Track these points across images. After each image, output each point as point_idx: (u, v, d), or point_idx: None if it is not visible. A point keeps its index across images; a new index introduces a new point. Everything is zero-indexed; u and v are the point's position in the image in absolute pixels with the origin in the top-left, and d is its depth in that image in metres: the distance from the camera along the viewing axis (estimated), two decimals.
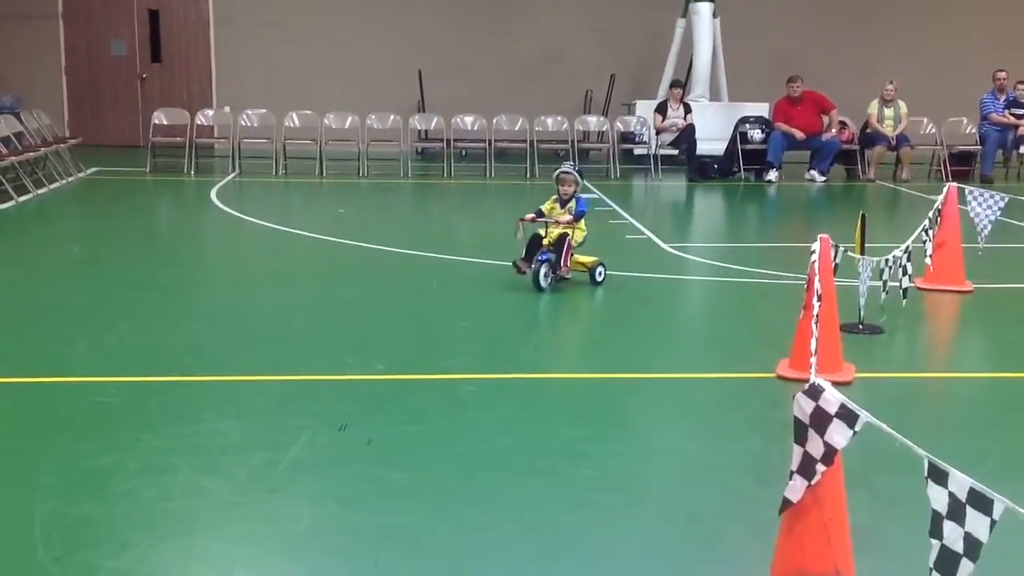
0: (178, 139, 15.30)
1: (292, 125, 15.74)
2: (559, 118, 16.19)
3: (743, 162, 15.77)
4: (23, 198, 12.06)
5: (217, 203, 12.61)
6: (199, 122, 15.71)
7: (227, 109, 16.24)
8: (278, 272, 9.18)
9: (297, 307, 7.69)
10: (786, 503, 3.41)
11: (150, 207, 13.26)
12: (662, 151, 15.81)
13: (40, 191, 12.68)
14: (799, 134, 15.46)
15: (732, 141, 15.87)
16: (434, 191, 14.86)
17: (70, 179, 13.86)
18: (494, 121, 15.95)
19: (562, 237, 7.83)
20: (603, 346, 6.88)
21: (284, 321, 7.25)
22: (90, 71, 18.00)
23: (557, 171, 8.11)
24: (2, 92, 16.42)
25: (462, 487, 4.56)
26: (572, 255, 7.91)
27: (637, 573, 3.81)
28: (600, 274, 8.12)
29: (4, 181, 12.00)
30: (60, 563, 3.77)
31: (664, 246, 10.25)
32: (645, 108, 16.64)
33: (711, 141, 16.02)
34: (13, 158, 12.48)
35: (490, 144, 15.64)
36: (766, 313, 7.75)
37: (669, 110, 15.97)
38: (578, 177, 8.03)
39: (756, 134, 15.92)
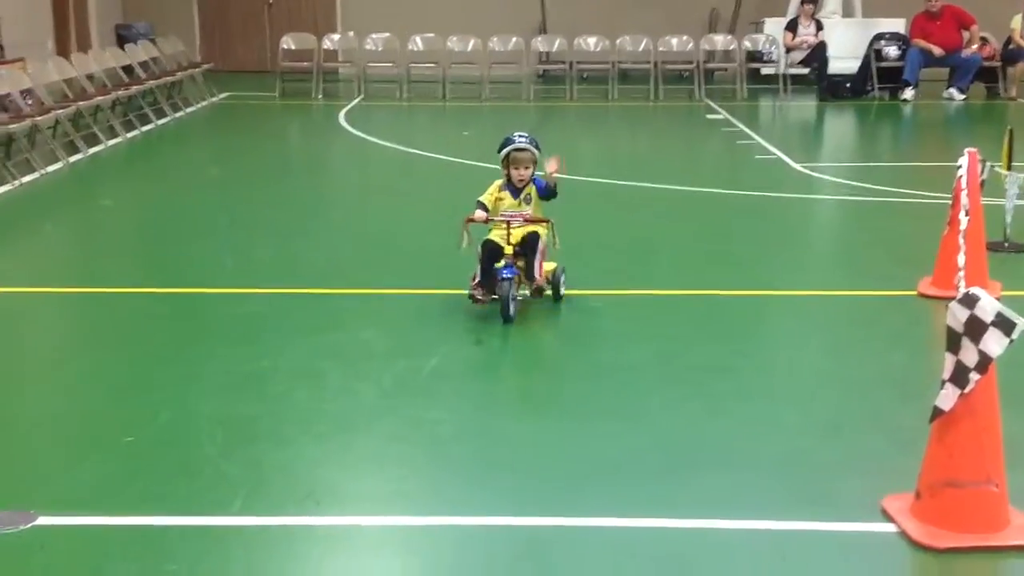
0: (305, 64, 15.56)
1: (415, 49, 15.85)
2: (684, 38, 15.87)
3: (878, 80, 15.27)
4: (162, 121, 12.48)
5: (346, 126, 12.83)
6: (325, 46, 15.93)
7: (351, 34, 16.41)
8: (407, 191, 9.34)
9: (427, 225, 7.83)
10: (937, 412, 3.39)
11: (282, 130, 13.58)
12: (792, 70, 15.40)
13: (177, 115, 13.09)
14: (937, 50, 14.88)
15: (866, 59, 15.37)
16: (556, 113, 14.81)
17: (204, 103, 14.25)
18: (617, 42, 15.75)
19: (531, 238, 5.51)
20: (738, 264, 6.83)
21: (416, 238, 7.40)
22: None
23: (505, 147, 5.59)
24: (136, 19, 16.90)
25: (598, 397, 4.65)
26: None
27: (778, 483, 3.84)
28: (563, 284, 5.75)
29: (144, 105, 12.42)
30: (226, 457, 4.00)
31: (795, 166, 10.06)
32: (774, 26, 16.20)
33: (844, 59, 15.53)
34: (152, 82, 12.90)
35: (613, 66, 15.48)
36: (905, 232, 7.57)
37: (800, 27, 15.53)
38: (537, 152, 5.61)
39: (892, 51, 15.38)
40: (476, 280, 5.45)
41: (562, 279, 5.76)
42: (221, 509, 3.63)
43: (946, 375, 3.36)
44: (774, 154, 10.70)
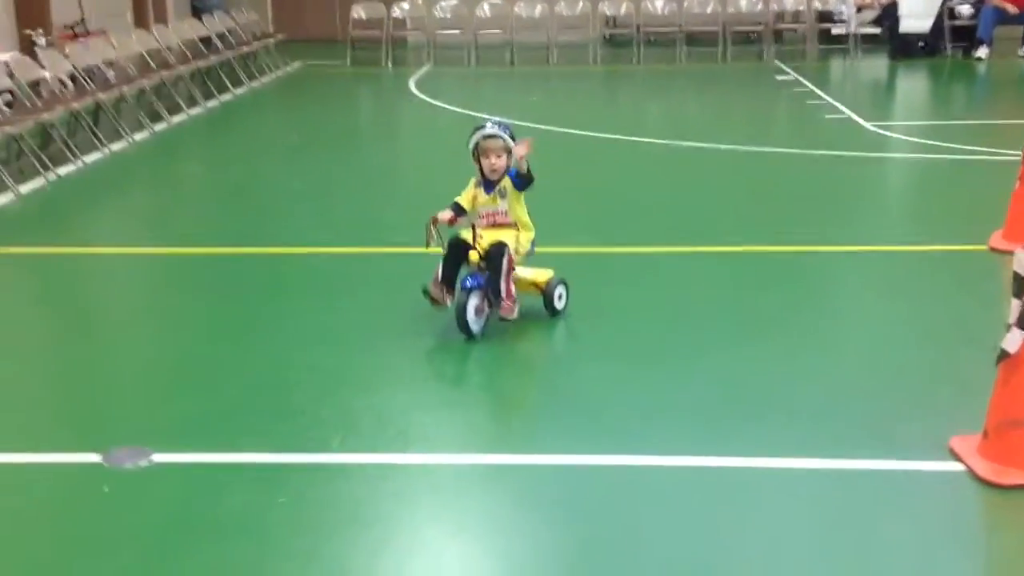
0: (375, 32, 15.80)
1: (483, 16, 16.00)
2: None
3: (951, 39, 15.08)
4: (239, 91, 12.81)
5: (416, 92, 13.06)
6: (394, 15, 16.16)
7: (420, 1, 16.60)
8: None
9: None
10: (1003, 354, 3.52)
11: (355, 97, 13.87)
12: (863, 29, 15.28)
13: (253, 84, 13.42)
14: (1012, 8, 14.65)
15: (939, 17, 15.18)
16: (623, 77, 14.89)
17: (278, 73, 14.57)
18: (684, 4, 15.73)
19: (495, 249, 4.79)
20: (809, 221, 6.93)
21: None
22: None
23: (475, 135, 4.95)
24: None
25: (667, 344, 4.84)
26: (515, 275, 4.89)
27: (847, 425, 4.00)
28: (560, 297, 5.09)
29: (222, 75, 12.76)
30: (316, 403, 4.27)
31: (866, 125, 10.06)
32: None
33: (915, 18, 15.34)
34: (228, 53, 13.24)
35: (680, 29, 15.48)
36: (977, 188, 7.60)
37: None
38: (509, 141, 4.90)
39: (965, 9, 15.17)
40: (437, 279, 4.82)
41: (559, 292, 5.05)
42: (321, 447, 3.89)
43: (1012, 319, 3.49)
44: (845, 114, 10.70)
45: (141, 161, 9.37)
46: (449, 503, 3.56)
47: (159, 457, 3.79)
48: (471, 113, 11.49)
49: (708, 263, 6.06)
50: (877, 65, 14.73)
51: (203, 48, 12.98)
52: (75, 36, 11.98)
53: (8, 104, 8.70)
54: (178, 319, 5.42)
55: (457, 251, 4.85)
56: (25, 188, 7.86)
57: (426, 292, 4.78)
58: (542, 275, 5.05)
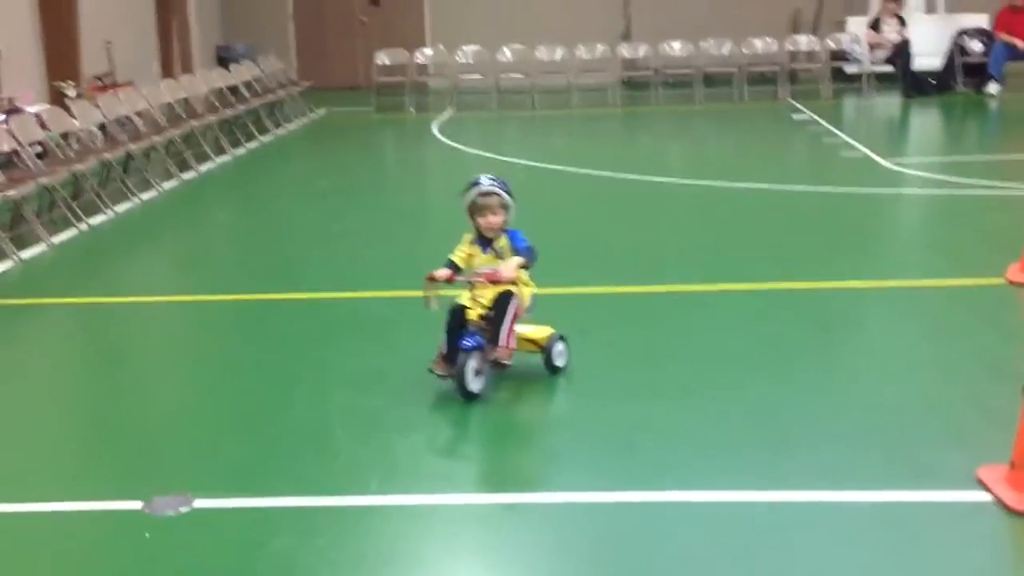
0: (398, 78, 16.06)
1: (505, 60, 16.24)
2: (768, 39, 16.00)
3: (962, 75, 15.20)
4: (265, 138, 13.04)
5: (440, 137, 13.25)
6: (417, 60, 16.42)
7: (441, 47, 16.87)
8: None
9: (529, 228, 8.17)
10: None
11: (381, 143, 14.09)
12: (876, 68, 15.42)
13: (279, 131, 13.66)
14: (1022, 44, 14.79)
15: (950, 54, 15.31)
16: (643, 118, 15.06)
17: (304, 120, 14.81)
18: (700, 46, 15.93)
19: (503, 299, 4.74)
20: (831, 258, 7.02)
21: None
22: (315, 16, 19.02)
23: (470, 192, 4.84)
24: (236, 40, 17.60)
25: (703, 381, 4.93)
26: (516, 331, 4.80)
27: (874, 456, 4.08)
28: (560, 354, 4.98)
29: (249, 123, 13.00)
30: (355, 445, 4.38)
31: (882, 162, 10.16)
32: (857, 24, 16.22)
33: (927, 56, 15.46)
34: (256, 101, 13.49)
35: (697, 70, 15.67)
36: (994, 222, 7.69)
37: (883, 25, 15.53)
38: (506, 197, 4.82)
39: (976, 46, 15.31)
40: (443, 353, 4.73)
41: (558, 348, 4.95)
42: (359, 489, 4.00)
43: None
44: (861, 151, 10.81)
45: (171, 210, 9.55)
46: (485, 543, 3.64)
47: (200, 503, 3.88)
48: (494, 156, 11.67)
49: (732, 300, 6.16)
50: (891, 103, 14.85)
51: (230, 96, 13.24)
52: (104, 87, 12.24)
53: (39, 155, 8.91)
54: (216, 365, 5.55)
55: (458, 322, 4.75)
56: (58, 239, 8.04)
57: (432, 371, 4.71)
58: (541, 332, 4.95)
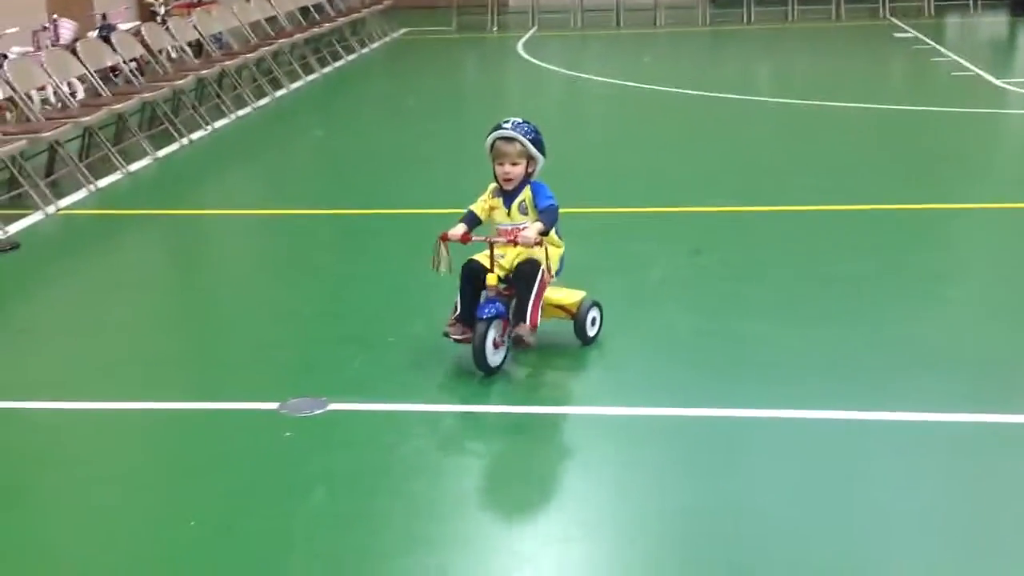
0: None
1: None
2: None
3: None
4: (350, 57, 12.98)
5: (526, 56, 13.08)
6: None
7: None
8: (600, 115, 9.58)
9: (618, 147, 8.06)
10: None
11: (465, 61, 13.96)
12: None
13: (363, 51, 13.59)
14: None
15: None
16: (732, 37, 14.69)
17: (386, 39, 14.71)
18: None
19: (526, 268, 4.09)
20: (941, 179, 6.81)
21: (617, 159, 7.65)
22: None
23: (490, 135, 4.22)
24: None
25: (810, 302, 4.82)
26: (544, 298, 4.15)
27: (992, 382, 3.97)
28: (594, 322, 4.40)
29: (334, 42, 12.94)
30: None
31: (995, 81, 9.80)
32: None
33: None
34: (340, 20, 13.40)
35: None
36: None
37: None
38: (529, 146, 4.12)
39: None
40: (456, 314, 4.15)
41: (591, 317, 4.35)
42: (480, 400, 4.00)
43: None
44: (971, 70, 10.42)
45: (264, 126, 9.57)
46: (608, 453, 3.60)
47: (334, 406, 3.92)
48: (579, 74, 11.50)
49: (844, 219, 6.00)
50: (998, 21, 14.29)
51: (315, 15, 13.16)
52: (189, 5, 12.25)
53: (135, 72, 8.95)
54: (329, 278, 5.56)
55: (473, 278, 4.13)
56: (161, 152, 8.12)
57: (447, 335, 4.13)
58: (572, 296, 4.34)
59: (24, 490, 3.49)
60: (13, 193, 6.80)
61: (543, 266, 4.06)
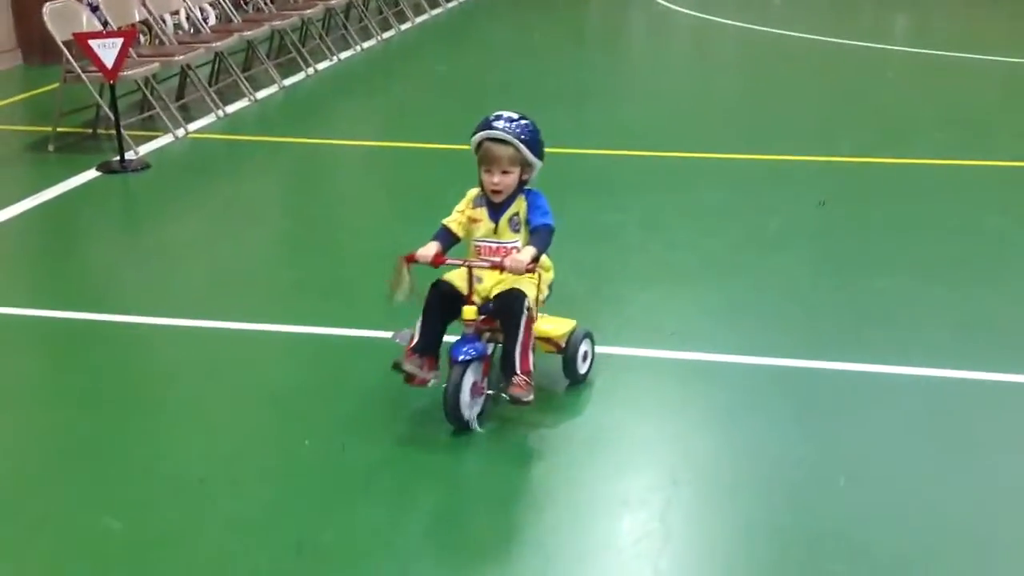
0: None
1: None
2: None
3: None
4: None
5: None
6: None
7: None
8: (730, 60, 9.37)
9: (755, 93, 7.87)
10: None
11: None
12: None
13: None
14: None
15: None
16: None
17: None
18: None
19: (510, 300, 3.27)
20: None
21: (747, 105, 7.48)
22: None
23: (478, 134, 3.38)
24: None
25: (943, 260, 4.67)
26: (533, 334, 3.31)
27: None
28: (586, 357, 3.59)
29: None
30: (593, 294, 4.34)
31: None
32: None
33: None
34: None
35: None
36: None
37: None
38: (524, 151, 3.32)
39: None
40: (412, 343, 3.31)
41: (583, 351, 3.56)
42: (597, 338, 3.94)
43: None
44: None
45: (388, 59, 9.63)
46: (724, 399, 3.54)
47: (449, 338, 3.94)
48: (713, 18, 11.23)
49: (977, 176, 5.78)
50: None
51: None
52: None
53: (266, 0, 9.06)
54: (444, 210, 5.56)
55: (444, 303, 3.31)
56: (288, 81, 8.24)
57: (397, 367, 3.25)
58: (561, 327, 3.52)
59: (153, 402, 3.62)
60: (145, 115, 7.00)
61: (528, 301, 3.23)
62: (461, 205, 3.43)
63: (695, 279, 4.53)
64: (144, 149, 6.45)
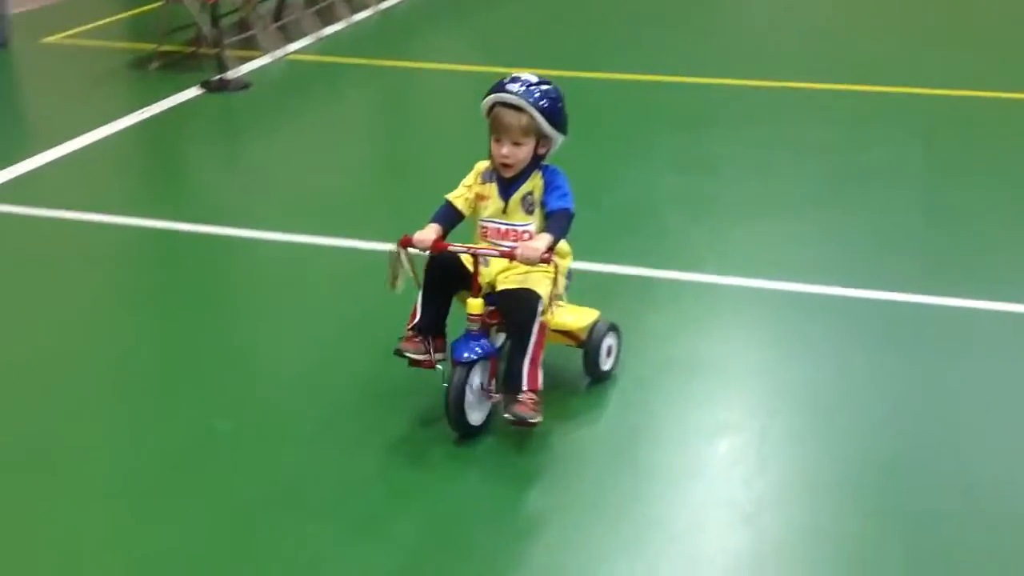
0: None
1: None
2: None
3: None
4: None
5: None
6: None
7: None
8: None
9: (864, 23, 7.65)
10: None
11: None
12: None
13: None
14: None
15: None
16: None
17: None
18: None
19: (521, 301, 2.86)
20: None
21: (858, 35, 7.31)
22: None
23: (489, 96, 2.93)
24: None
25: None
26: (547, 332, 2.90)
27: None
28: (610, 352, 3.19)
29: None
30: (690, 226, 4.32)
31: None
32: None
33: None
34: None
35: None
36: None
37: None
38: (540, 121, 2.87)
39: None
40: (413, 322, 2.93)
41: (607, 346, 3.15)
42: (696, 267, 3.96)
43: None
44: None
45: None
46: (825, 332, 3.52)
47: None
48: None
49: None
50: None
51: None
52: None
53: None
54: None
55: (446, 279, 2.93)
56: (383, 5, 8.24)
57: (399, 353, 2.90)
58: (582, 319, 3.09)
59: (253, 311, 3.72)
60: (244, 35, 7.07)
61: (541, 304, 2.79)
62: (468, 179, 3.00)
63: (794, 211, 4.48)
64: (245, 69, 6.54)
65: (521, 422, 2.77)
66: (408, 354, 2.88)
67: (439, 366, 2.91)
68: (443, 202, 2.97)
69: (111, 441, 2.93)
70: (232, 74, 6.33)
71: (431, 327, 2.91)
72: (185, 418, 3.00)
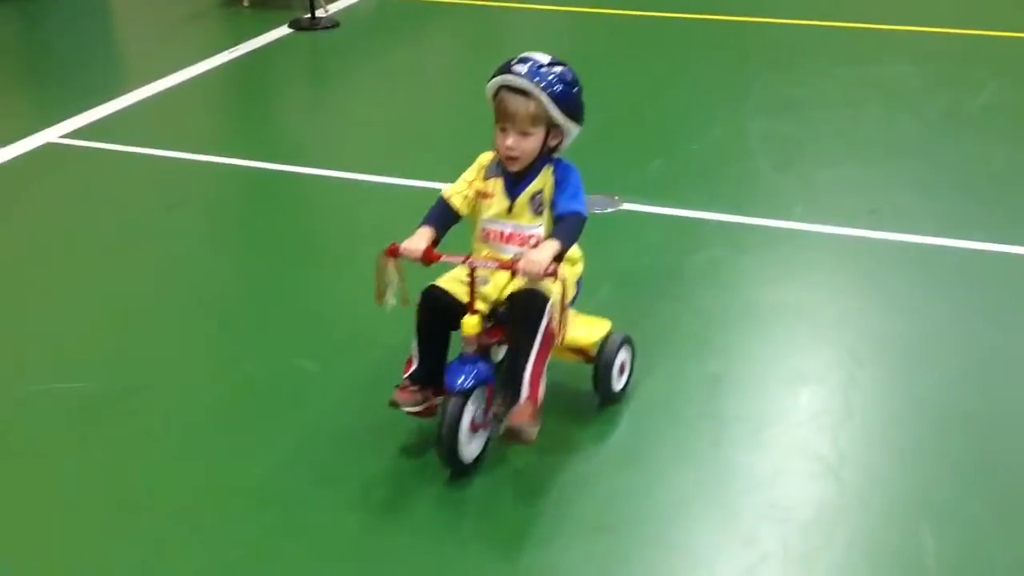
0: None
1: None
2: None
3: None
4: None
5: None
6: None
7: None
8: None
9: None
10: None
11: None
12: None
13: None
14: None
15: None
16: None
17: None
18: None
19: (529, 301, 2.49)
20: None
21: None
22: None
23: (494, 79, 2.52)
24: None
25: None
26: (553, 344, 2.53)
27: None
28: (623, 369, 2.83)
29: None
30: (779, 171, 4.25)
31: None
32: None
33: None
34: None
35: None
36: None
37: None
38: (550, 107, 2.49)
39: None
40: (410, 369, 2.59)
41: (619, 362, 2.79)
42: (782, 214, 3.90)
43: None
44: None
45: None
46: (907, 280, 3.46)
47: (628, 206, 3.95)
48: None
49: None
50: None
51: None
52: None
53: None
54: (628, 79, 5.49)
55: (440, 320, 2.57)
56: None
57: (395, 405, 2.55)
58: (594, 332, 2.75)
59: (336, 255, 3.78)
60: None
61: (549, 307, 2.46)
62: (469, 173, 2.63)
63: (884, 157, 4.39)
64: (333, 8, 6.56)
65: (516, 434, 2.41)
66: (406, 407, 2.54)
67: (432, 412, 2.56)
68: (436, 201, 2.59)
69: (202, 379, 3.01)
70: (322, 13, 6.36)
71: (430, 377, 2.56)
72: (273, 357, 3.07)
